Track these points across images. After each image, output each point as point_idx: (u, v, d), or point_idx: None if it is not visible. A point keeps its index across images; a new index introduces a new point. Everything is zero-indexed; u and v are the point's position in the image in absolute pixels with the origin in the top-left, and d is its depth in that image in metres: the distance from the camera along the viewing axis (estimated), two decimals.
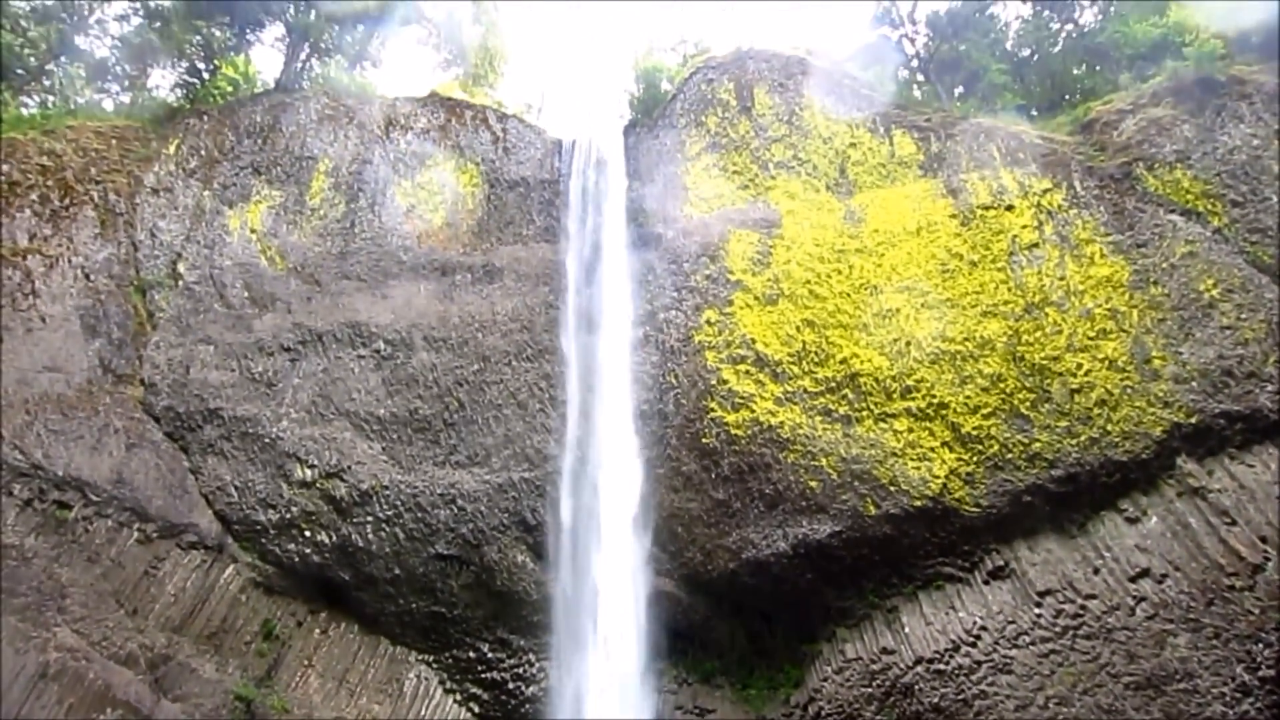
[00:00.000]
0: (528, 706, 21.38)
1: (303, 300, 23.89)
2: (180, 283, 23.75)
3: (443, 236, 25.33)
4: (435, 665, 21.93)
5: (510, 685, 21.59)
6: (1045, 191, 22.10)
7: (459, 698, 21.85)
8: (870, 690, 19.52)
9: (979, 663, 18.72)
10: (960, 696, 18.68)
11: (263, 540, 21.32)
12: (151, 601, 19.91)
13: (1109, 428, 19.02)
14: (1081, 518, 19.07)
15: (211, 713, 19.59)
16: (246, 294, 23.88)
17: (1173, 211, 20.96)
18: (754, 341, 21.62)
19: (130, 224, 24.27)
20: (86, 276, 22.77)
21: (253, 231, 24.82)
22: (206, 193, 25.36)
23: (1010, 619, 18.79)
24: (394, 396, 22.57)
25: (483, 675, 21.75)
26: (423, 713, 21.51)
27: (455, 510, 21.54)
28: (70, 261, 22.69)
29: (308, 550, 21.42)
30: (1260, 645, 16.92)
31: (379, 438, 22.25)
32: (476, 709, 21.78)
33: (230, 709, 19.77)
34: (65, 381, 21.17)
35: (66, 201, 23.38)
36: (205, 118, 27.23)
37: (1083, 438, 19.10)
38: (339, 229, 25.09)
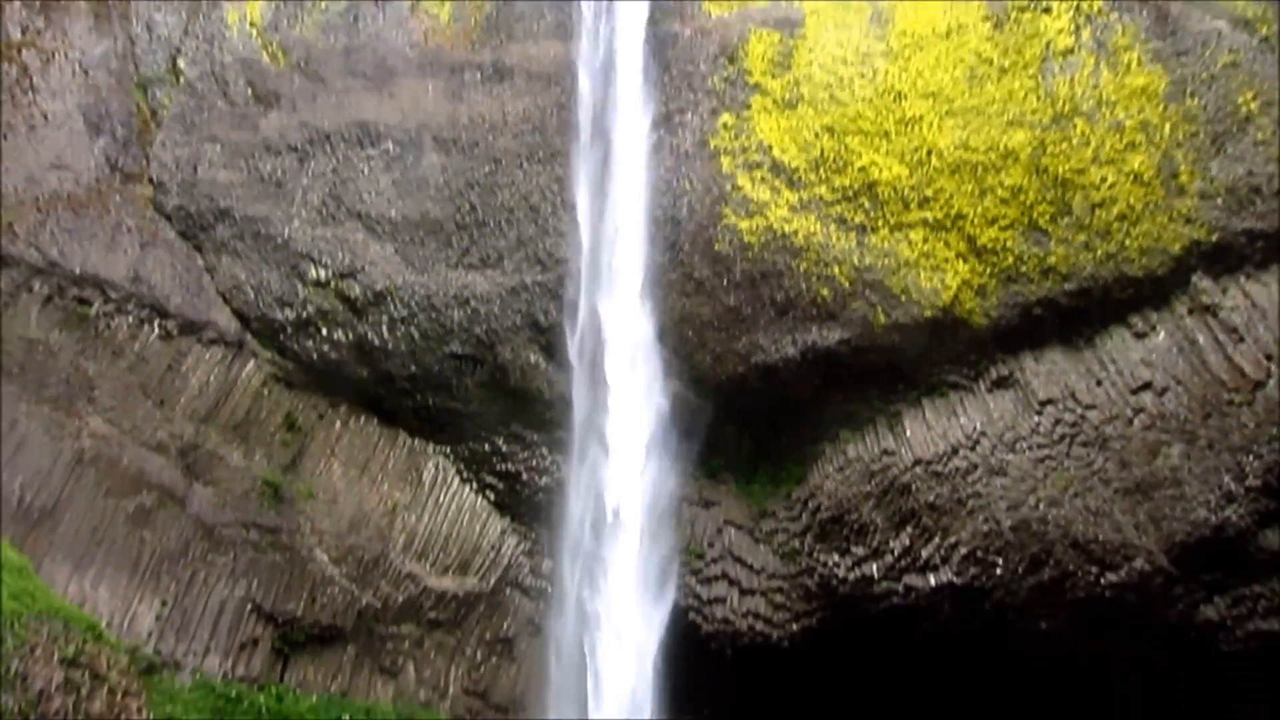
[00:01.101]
0: (541, 495, 22.43)
1: (308, 99, 23.28)
2: (181, 79, 23.09)
3: (450, 33, 24.30)
4: (452, 457, 22.88)
5: (525, 476, 22.60)
6: None
7: (475, 486, 22.94)
8: (869, 488, 20.38)
9: (975, 465, 19.44)
10: (955, 496, 19.52)
11: (281, 337, 21.75)
12: (177, 394, 20.56)
13: (1127, 243, 18.85)
14: (1090, 331, 19.24)
15: (242, 496, 20.65)
16: (250, 91, 23.26)
17: (1219, 18, 19.83)
18: (771, 148, 21.12)
19: (125, 17, 23.33)
20: (85, 72, 22.12)
21: (252, 25, 23.88)
22: None
23: (1010, 426, 19.35)
24: (404, 198, 22.36)
25: (498, 467, 22.73)
26: (441, 499, 22.64)
27: (468, 311, 21.81)
28: (67, 56, 22.00)
29: (325, 348, 21.89)
30: (1251, 457, 17.49)
31: (391, 239, 22.24)
32: (493, 496, 22.92)
33: (259, 493, 20.83)
34: (74, 180, 21.03)
35: None
36: None
37: (1099, 252, 18.97)
38: (342, 24, 24.07)
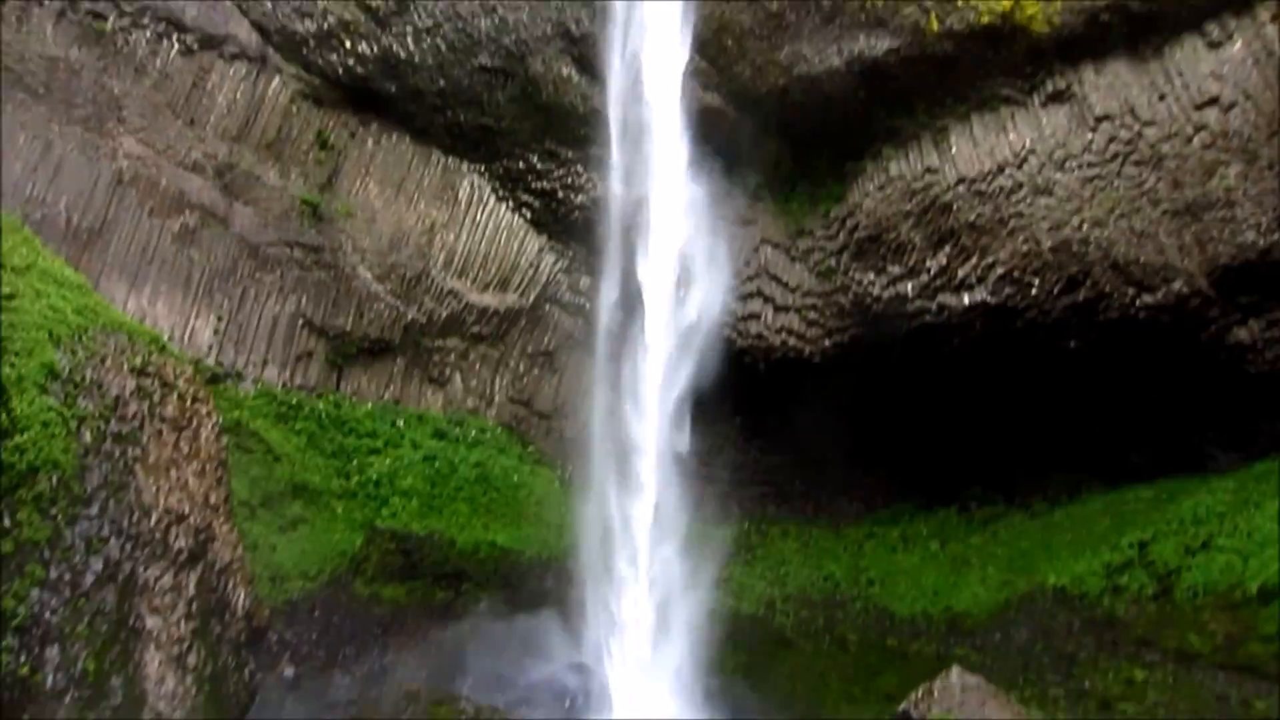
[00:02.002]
0: (577, 213, 22.38)
1: None
2: None
3: None
4: (487, 175, 22.67)
5: (560, 195, 22.43)
6: None
7: (511, 205, 22.93)
8: (909, 207, 20.00)
9: (1020, 184, 18.89)
10: (997, 216, 19.16)
11: (304, 51, 20.88)
12: (206, 113, 20.25)
13: None
14: (1159, 40, 17.83)
15: (282, 216, 20.91)
16: None
17: None
18: None
19: None
20: None
21: None
22: None
23: (1061, 143, 18.55)
24: None
25: (533, 185, 22.53)
26: (478, 217, 22.78)
27: (496, 20, 20.61)
28: None
29: (350, 61, 21.05)
30: None
31: None
32: (529, 215, 22.92)
33: (299, 212, 21.05)
34: None
35: None
36: None
37: None
38: None
